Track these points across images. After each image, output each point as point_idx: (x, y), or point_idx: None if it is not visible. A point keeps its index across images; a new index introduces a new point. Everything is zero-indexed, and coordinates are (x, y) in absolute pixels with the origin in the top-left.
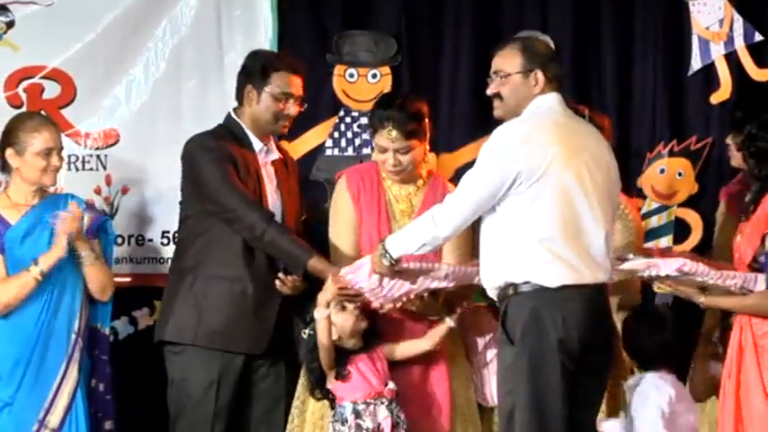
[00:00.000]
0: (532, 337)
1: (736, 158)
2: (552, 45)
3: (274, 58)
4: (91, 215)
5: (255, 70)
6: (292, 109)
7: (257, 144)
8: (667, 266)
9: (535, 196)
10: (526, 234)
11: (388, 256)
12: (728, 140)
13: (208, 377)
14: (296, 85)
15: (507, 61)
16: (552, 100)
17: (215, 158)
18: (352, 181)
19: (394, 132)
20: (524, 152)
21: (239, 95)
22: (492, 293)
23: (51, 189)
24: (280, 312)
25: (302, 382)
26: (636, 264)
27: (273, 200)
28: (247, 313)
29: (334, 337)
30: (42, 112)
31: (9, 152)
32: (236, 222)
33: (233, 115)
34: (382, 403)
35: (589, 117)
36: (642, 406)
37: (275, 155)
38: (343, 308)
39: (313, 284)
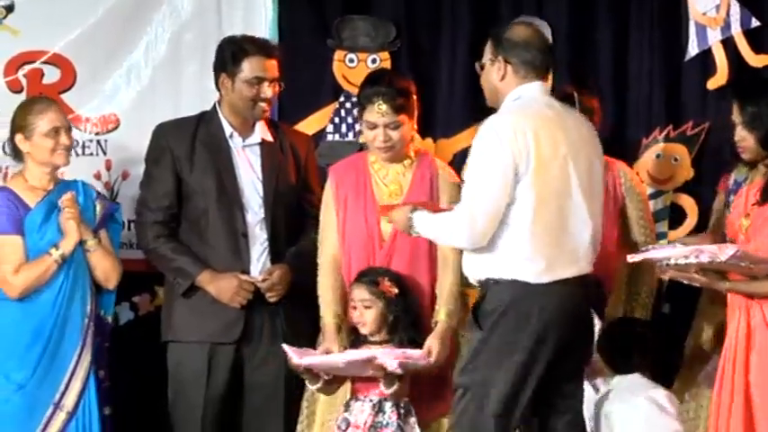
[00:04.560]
0: (505, 327)
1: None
2: (549, 30)
3: (244, 43)
4: (104, 204)
5: (226, 58)
6: (268, 92)
7: (227, 129)
8: (724, 253)
9: (519, 192)
10: (509, 231)
11: (414, 228)
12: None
13: (196, 368)
14: (269, 67)
15: (485, 51)
16: (534, 89)
17: (152, 160)
18: (335, 174)
19: (384, 106)
20: (514, 146)
21: (216, 85)
22: (473, 283)
23: (61, 170)
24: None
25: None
26: (678, 251)
27: (250, 184)
28: (212, 302)
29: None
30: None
31: (19, 138)
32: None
33: (216, 103)
34: (371, 401)
35: (578, 99)
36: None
37: (256, 138)
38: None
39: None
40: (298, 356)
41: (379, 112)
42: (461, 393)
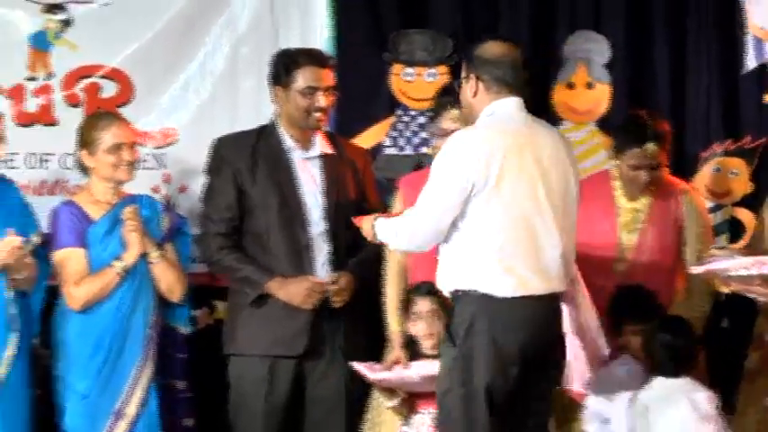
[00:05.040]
0: (470, 341)
1: None
2: (607, 43)
3: (296, 54)
4: (170, 217)
5: (280, 71)
6: (322, 101)
7: (288, 142)
8: None
9: (487, 207)
10: (478, 245)
11: (377, 236)
12: None
13: (258, 381)
14: (323, 76)
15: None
16: (508, 105)
17: (212, 173)
18: (406, 187)
19: (457, 112)
20: (475, 163)
21: (273, 99)
22: (447, 295)
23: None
24: (330, 313)
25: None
26: (739, 262)
27: (311, 197)
28: (275, 316)
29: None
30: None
31: (83, 153)
32: (201, 239)
33: (275, 117)
34: (430, 413)
35: (650, 123)
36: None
37: (317, 151)
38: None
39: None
40: (370, 372)
41: (451, 118)
42: (446, 413)
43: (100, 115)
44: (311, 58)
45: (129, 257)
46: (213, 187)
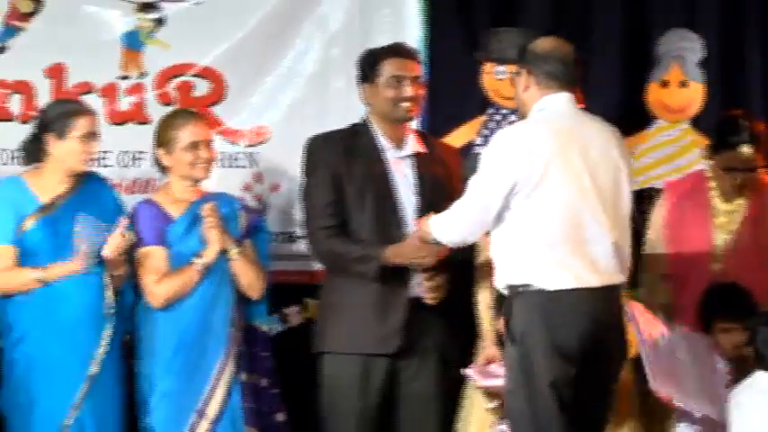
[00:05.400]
0: (529, 339)
1: None
2: (700, 42)
3: (379, 50)
4: (248, 215)
5: (366, 68)
6: (409, 91)
7: (381, 141)
8: None
9: (536, 203)
10: (529, 238)
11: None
12: None
13: (352, 379)
14: (407, 66)
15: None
16: (559, 101)
17: (309, 173)
18: None
19: None
20: (520, 160)
21: (363, 100)
22: (503, 293)
23: (211, 182)
24: (423, 311)
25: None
26: None
27: (405, 196)
28: (369, 314)
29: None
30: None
31: (161, 152)
32: (308, 236)
33: (367, 116)
34: None
35: (747, 124)
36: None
37: (408, 150)
38: None
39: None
40: (481, 379)
41: None
42: (513, 413)
43: (176, 114)
44: (394, 50)
45: (209, 254)
46: (311, 186)
